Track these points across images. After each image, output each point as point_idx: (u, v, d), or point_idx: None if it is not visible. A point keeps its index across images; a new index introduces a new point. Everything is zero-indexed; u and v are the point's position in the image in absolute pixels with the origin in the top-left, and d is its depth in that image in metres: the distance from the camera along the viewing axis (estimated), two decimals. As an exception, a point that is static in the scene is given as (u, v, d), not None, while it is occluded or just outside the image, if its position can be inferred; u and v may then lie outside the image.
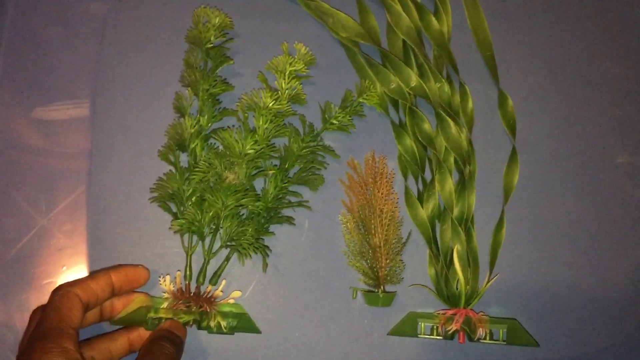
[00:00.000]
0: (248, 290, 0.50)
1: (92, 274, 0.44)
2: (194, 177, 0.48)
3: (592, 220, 0.52)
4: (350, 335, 0.50)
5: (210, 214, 0.48)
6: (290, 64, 0.50)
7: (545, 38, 0.55)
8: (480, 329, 0.48)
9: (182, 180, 0.49)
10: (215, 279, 0.49)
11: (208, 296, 0.48)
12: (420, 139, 0.51)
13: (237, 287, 0.50)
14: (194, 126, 0.50)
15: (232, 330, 0.47)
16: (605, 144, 0.54)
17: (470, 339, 0.48)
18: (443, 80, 0.52)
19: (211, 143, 0.51)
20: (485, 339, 0.48)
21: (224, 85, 0.52)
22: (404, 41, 0.54)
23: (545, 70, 0.55)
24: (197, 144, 0.50)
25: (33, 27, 0.54)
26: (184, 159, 0.51)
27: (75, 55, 0.54)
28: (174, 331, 0.45)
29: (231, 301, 0.49)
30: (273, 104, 0.49)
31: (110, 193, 0.51)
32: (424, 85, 0.51)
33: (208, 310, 0.47)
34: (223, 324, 0.47)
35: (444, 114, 0.51)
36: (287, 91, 0.50)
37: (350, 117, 0.51)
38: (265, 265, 0.49)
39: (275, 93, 0.50)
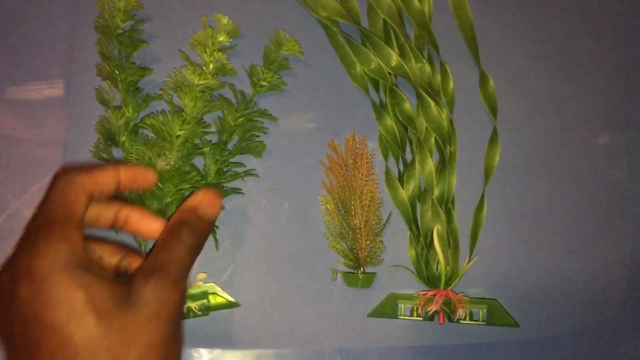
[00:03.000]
0: (225, 274, 0.49)
1: (100, 165, 0.40)
2: None
3: (573, 201, 0.52)
4: (330, 317, 0.49)
5: (154, 205, 0.46)
6: (212, 36, 0.49)
7: (527, 18, 0.55)
8: (460, 310, 0.48)
9: None
10: None
11: None
12: (400, 119, 0.51)
13: (213, 271, 0.49)
14: (120, 118, 0.48)
15: (206, 310, 0.47)
16: (586, 125, 0.53)
17: (450, 320, 0.48)
18: (424, 60, 0.52)
19: (142, 133, 0.49)
20: (465, 319, 0.48)
21: (142, 71, 0.50)
22: (384, 21, 0.53)
23: (527, 51, 0.54)
24: (126, 137, 0.48)
25: (5, 6, 0.53)
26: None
27: (51, 35, 0.52)
28: (203, 210, 0.40)
29: (199, 283, 0.48)
30: (198, 80, 0.48)
31: (85, 175, 0.50)
32: (405, 65, 0.51)
33: None
34: (193, 306, 0.47)
35: (424, 94, 0.50)
36: (211, 64, 0.48)
37: (277, 74, 0.50)
38: (216, 242, 0.49)
39: (199, 68, 0.48)
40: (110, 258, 0.41)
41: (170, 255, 0.37)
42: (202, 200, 0.40)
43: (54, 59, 0.52)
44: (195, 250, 0.39)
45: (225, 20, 0.49)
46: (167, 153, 0.46)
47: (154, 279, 0.35)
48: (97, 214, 0.41)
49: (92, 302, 0.32)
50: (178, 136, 0.47)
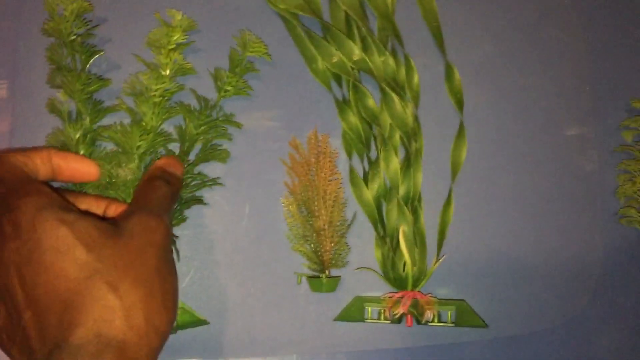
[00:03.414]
0: (186, 280, 0.47)
1: (32, 147, 0.40)
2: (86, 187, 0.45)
3: (542, 195, 0.51)
4: (296, 322, 0.48)
5: None
6: (167, 34, 0.46)
7: (493, 7, 0.53)
8: (428, 312, 0.47)
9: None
10: None
11: None
12: (364, 115, 0.49)
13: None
14: (78, 130, 0.45)
15: (175, 329, 0.45)
16: (554, 117, 0.52)
17: (419, 322, 0.47)
18: (387, 54, 0.50)
19: (100, 144, 0.46)
20: (433, 321, 0.47)
21: (101, 82, 0.47)
22: (346, 13, 0.51)
23: (494, 41, 0.53)
24: (84, 149, 0.45)
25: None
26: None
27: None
28: (169, 169, 0.42)
29: None
30: (156, 84, 0.45)
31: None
32: (368, 59, 0.49)
33: None
34: None
35: (388, 89, 0.49)
36: (168, 67, 0.46)
37: (242, 78, 0.48)
38: (177, 252, 0.47)
39: (156, 71, 0.46)
40: (96, 209, 0.42)
41: (149, 197, 0.39)
42: (166, 162, 0.42)
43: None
44: (171, 197, 0.40)
45: (179, 16, 0.47)
46: (128, 163, 0.44)
47: (138, 213, 0.36)
48: (86, 208, 0.41)
49: (80, 237, 0.32)
50: (139, 146, 0.45)
